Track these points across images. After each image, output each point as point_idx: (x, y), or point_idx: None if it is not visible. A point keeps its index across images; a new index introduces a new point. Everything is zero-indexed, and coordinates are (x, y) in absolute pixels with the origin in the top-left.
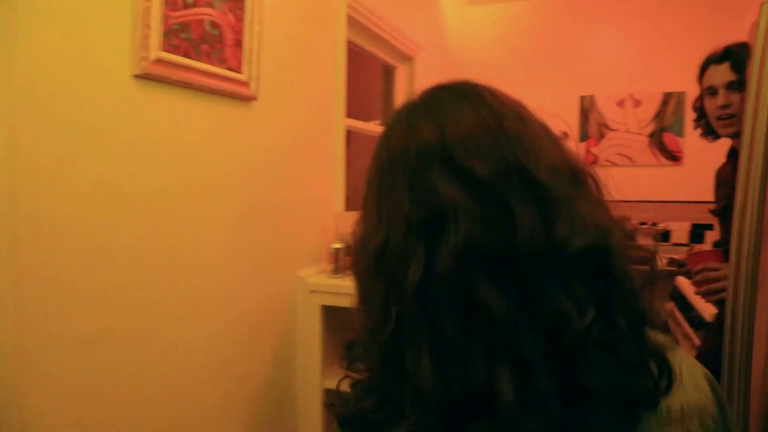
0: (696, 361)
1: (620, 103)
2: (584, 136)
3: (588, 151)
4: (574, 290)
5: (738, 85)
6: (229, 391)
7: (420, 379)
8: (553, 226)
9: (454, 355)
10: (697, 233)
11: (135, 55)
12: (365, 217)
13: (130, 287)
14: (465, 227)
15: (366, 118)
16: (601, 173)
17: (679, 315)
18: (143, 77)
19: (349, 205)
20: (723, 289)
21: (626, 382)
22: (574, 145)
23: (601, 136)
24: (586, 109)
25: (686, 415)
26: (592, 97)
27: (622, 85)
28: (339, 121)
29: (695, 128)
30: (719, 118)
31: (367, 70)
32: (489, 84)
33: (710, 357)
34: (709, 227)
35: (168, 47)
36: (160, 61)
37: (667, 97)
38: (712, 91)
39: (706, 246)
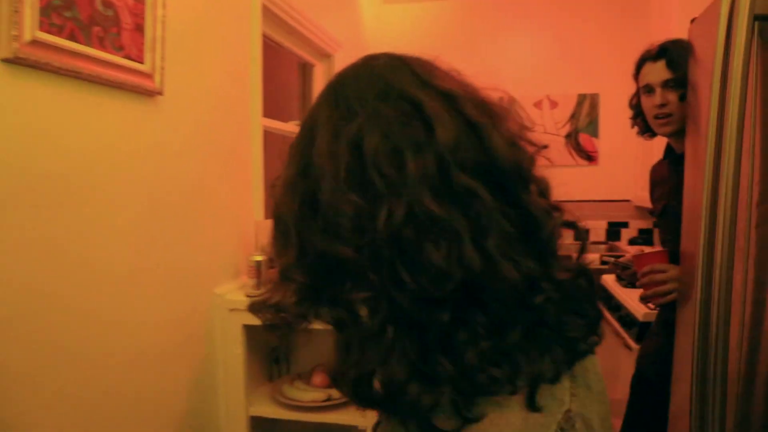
0: None
1: (537, 104)
2: None
3: None
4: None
5: (674, 84)
6: (142, 427)
7: (424, 261)
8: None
9: (447, 239)
10: (613, 231)
11: (3, 35)
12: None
13: (12, 318)
14: (445, 133)
15: (283, 118)
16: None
17: (607, 314)
18: (14, 62)
19: (269, 213)
20: (671, 292)
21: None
22: None
23: None
24: None
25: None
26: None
27: (539, 87)
28: (256, 121)
29: (632, 126)
30: (656, 117)
31: (283, 67)
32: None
33: (655, 360)
34: (625, 225)
35: (48, 27)
36: (36, 43)
37: (582, 98)
38: (648, 90)
39: (647, 248)
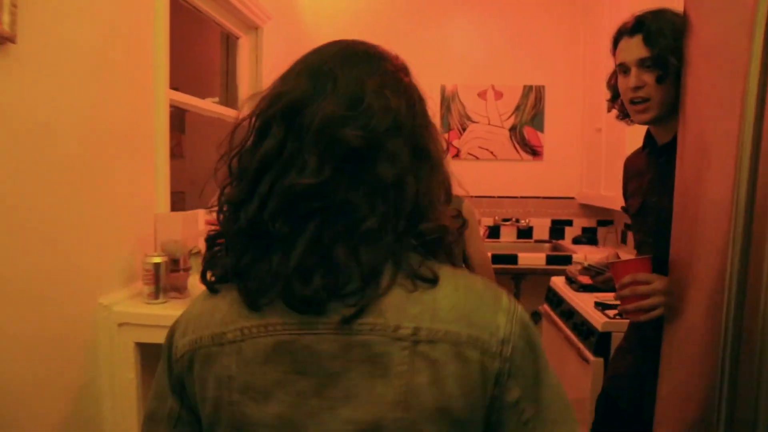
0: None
1: (482, 94)
2: (446, 127)
3: (450, 144)
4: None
5: (651, 63)
6: None
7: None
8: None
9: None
10: (557, 229)
11: None
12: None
13: None
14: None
15: (202, 94)
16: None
17: (558, 320)
18: None
19: (180, 204)
20: (657, 306)
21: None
22: None
23: (463, 128)
24: (448, 98)
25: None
26: (454, 87)
27: (483, 76)
28: (161, 94)
29: (609, 110)
30: (632, 102)
31: (203, 38)
32: None
33: (630, 384)
34: (569, 223)
35: None
36: None
37: (528, 90)
38: (624, 69)
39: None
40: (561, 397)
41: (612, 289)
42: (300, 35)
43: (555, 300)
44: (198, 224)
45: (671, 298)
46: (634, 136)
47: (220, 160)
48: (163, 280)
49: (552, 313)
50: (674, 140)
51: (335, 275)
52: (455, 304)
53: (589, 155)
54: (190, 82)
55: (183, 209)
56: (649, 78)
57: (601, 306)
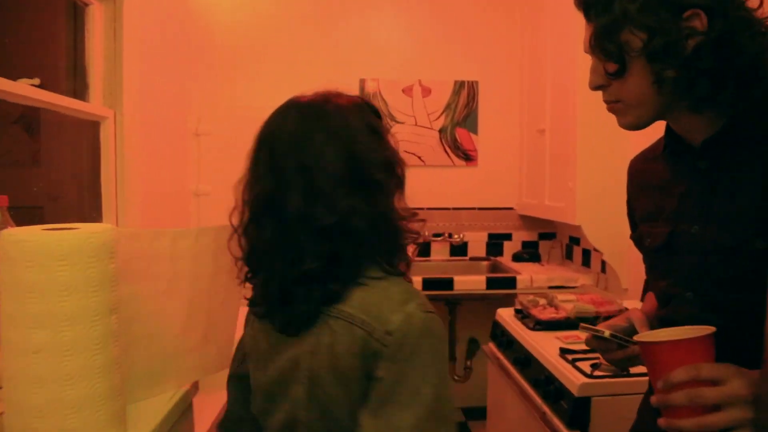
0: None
1: (407, 90)
2: None
3: None
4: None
5: (597, 50)
6: None
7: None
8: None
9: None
10: (495, 244)
11: None
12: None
13: None
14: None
15: (44, 76)
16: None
17: (510, 368)
18: None
19: (38, 222)
20: (733, 426)
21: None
22: None
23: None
24: (368, 95)
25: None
26: (375, 82)
27: (409, 70)
28: None
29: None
30: (607, 103)
31: (39, 10)
32: None
33: None
34: (508, 237)
35: None
36: None
37: (459, 86)
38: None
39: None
40: (422, 402)
41: (620, 367)
42: (181, 8)
43: (503, 340)
44: None
45: (765, 413)
46: (587, 137)
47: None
48: None
49: (500, 356)
50: (724, 133)
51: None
52: (364, 299)
53: (530, 160)
54: (15, 58)
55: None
56: (598, 66)
57: (569, 353)
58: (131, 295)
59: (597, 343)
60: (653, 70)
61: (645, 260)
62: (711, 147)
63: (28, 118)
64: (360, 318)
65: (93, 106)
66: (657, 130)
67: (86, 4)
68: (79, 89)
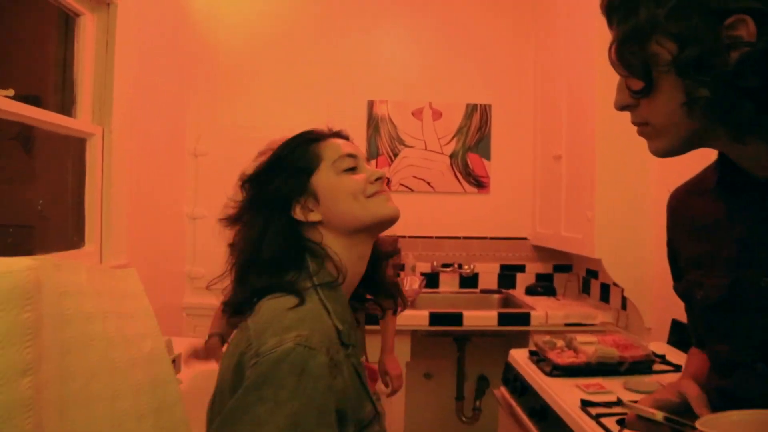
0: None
1: (417, 114)
2: (374, 153)
3: None
4: None
5: (619, 66)
6: None
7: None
8: None
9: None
10: (507, 276)
11: None
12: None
13: None
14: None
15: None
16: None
17: (527, 420)
18: None
19: (28, 243)
20: None
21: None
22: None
23: (395, 153)
24: (376, 117)
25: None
26: (384, 104)
27: (419, 92)
28: None
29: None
30: (633, 123)
31: (31, 16)
32: None
33: None
34: (521, 269)
35: None
36: None
37: (471, 109)
38: None
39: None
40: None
41: None
42: (182, 17)
43: (517, 385)
44: None
45: None
46: (607, 163)
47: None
48: None
49: (513, 403)
50: None
51: None
52: (257, 320)
53: (545, 188)
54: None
55: (30, 249)
56: (628, 90)
57: (591, 406)
58: (75, 340)
59: (643, 426)
60: (685, 88)
61: (694, 315)
62: None
63: (26, 134)
64: (246, 336)
65: (78, 122)
66: (693, 154)
67: (77, 15)
68: (66, 104)
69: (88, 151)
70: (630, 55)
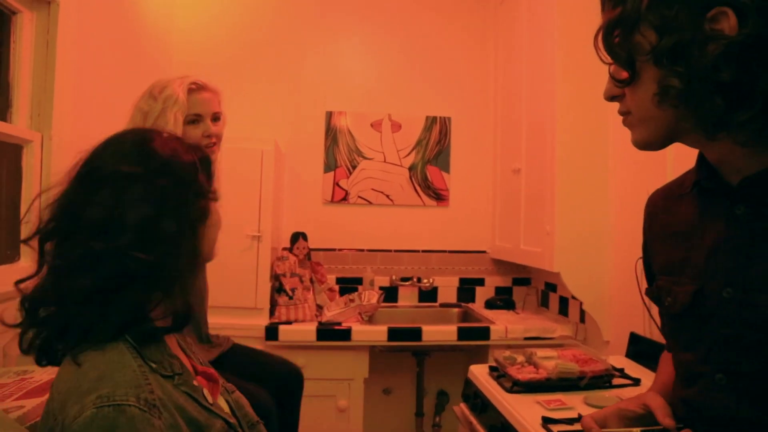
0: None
1: (376, 125)
2: (332, 165)
3: (336, 184)
4: None
5: (608, 53)
6: None
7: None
8: None
9: None
10: (467, 290)
11: None
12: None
13: None
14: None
15: None
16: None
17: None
18: None
19: None
20: None
21: None
22: (320, 177)
23: (353, 165)
24: (335, 129)
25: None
26: (342, 115)
27: (378, 104)
28: None
29: None
30: (619, 113)
31: None
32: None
33: None
34: (480, 282)
35: None
36: None
37: (431, 121)
38: None
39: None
40: None
41: None
42: (136, 20)
43: (477, 402)
44: None
45: None
46: (566, 177)
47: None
48: None
49: (474, 421)
50: None
51: None
52: (66, 377)
53: (504, 201)
54: None
55: None
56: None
57: (553, 423)
58: None
59: None
60: (658, 78)
61: (663, 322)
62: (753, 188)
63: None
64: (53, 404)
65: (14, 127)
66: (660, 161)
67: (13, 12)
68: (1, 107)
69: (25, 158)
70: (615, 43)
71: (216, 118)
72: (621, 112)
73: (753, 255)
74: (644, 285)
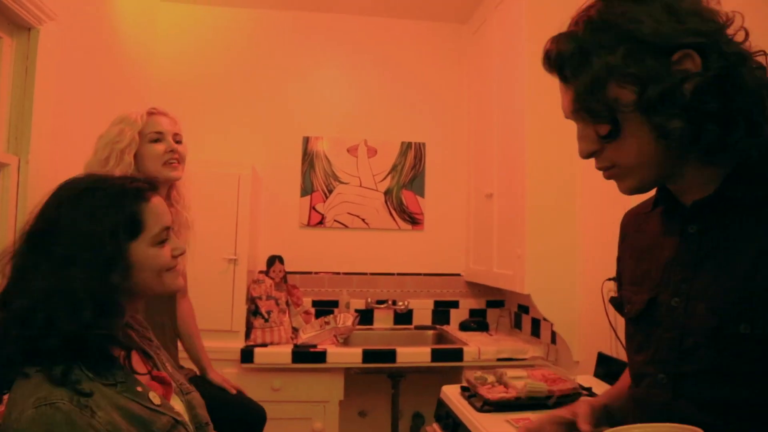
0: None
1: (352, 151)
2: (309, 189)
3: (313, 208)
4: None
5: (583, 113)
6: None
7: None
8: None
9: None
10: (441, 312)
11: None
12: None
13: None
14: None
15: None
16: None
17: None
18: None
19: None
20: None
21: None
22: (297, 201)
23: (329, 190)
24: (311, 153)
25: None
26: (319, 140)
27: (355, 129)
28: None
29: None
30: (599, 168)
31: None
32: None
33: None
34: (455, 304)
35: None
36: None
37: (406, 147)
38: None
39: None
40: None
41: None
42: (115, 47)
43: (449, 422)
44: None
45: None
46: (536, 202)
47: None
48: None
49: None
50: (718, 194)
51: None
52: (16, 390)
53: (477, 225)
54: None
55: None
56: (591, 132)
57: None
58: None
59: None
60: (654, 124)
61: (625, 329)
62: (702, 209)
63: None
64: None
65: None
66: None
67: None
68: None
69: (2, 181)
70: (593, 102)
71: (178, 140)
72: (603, 167)
73: (698, 269)
74: (610, 307)
